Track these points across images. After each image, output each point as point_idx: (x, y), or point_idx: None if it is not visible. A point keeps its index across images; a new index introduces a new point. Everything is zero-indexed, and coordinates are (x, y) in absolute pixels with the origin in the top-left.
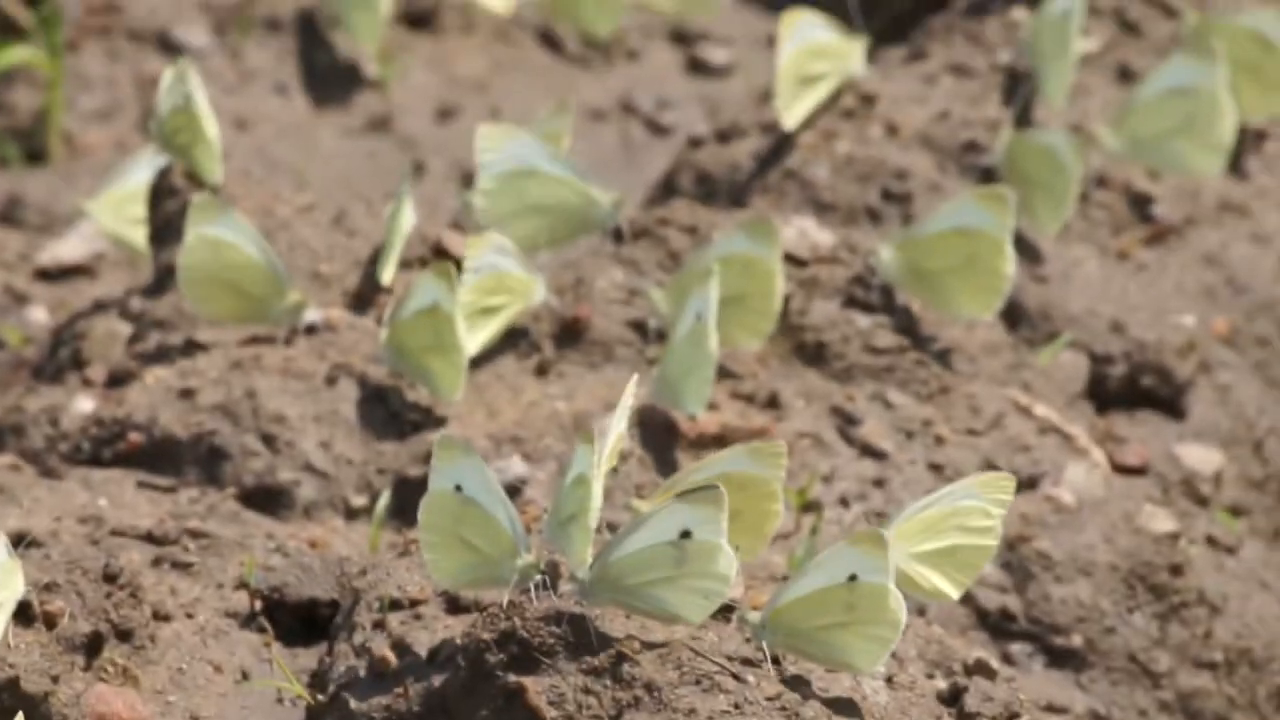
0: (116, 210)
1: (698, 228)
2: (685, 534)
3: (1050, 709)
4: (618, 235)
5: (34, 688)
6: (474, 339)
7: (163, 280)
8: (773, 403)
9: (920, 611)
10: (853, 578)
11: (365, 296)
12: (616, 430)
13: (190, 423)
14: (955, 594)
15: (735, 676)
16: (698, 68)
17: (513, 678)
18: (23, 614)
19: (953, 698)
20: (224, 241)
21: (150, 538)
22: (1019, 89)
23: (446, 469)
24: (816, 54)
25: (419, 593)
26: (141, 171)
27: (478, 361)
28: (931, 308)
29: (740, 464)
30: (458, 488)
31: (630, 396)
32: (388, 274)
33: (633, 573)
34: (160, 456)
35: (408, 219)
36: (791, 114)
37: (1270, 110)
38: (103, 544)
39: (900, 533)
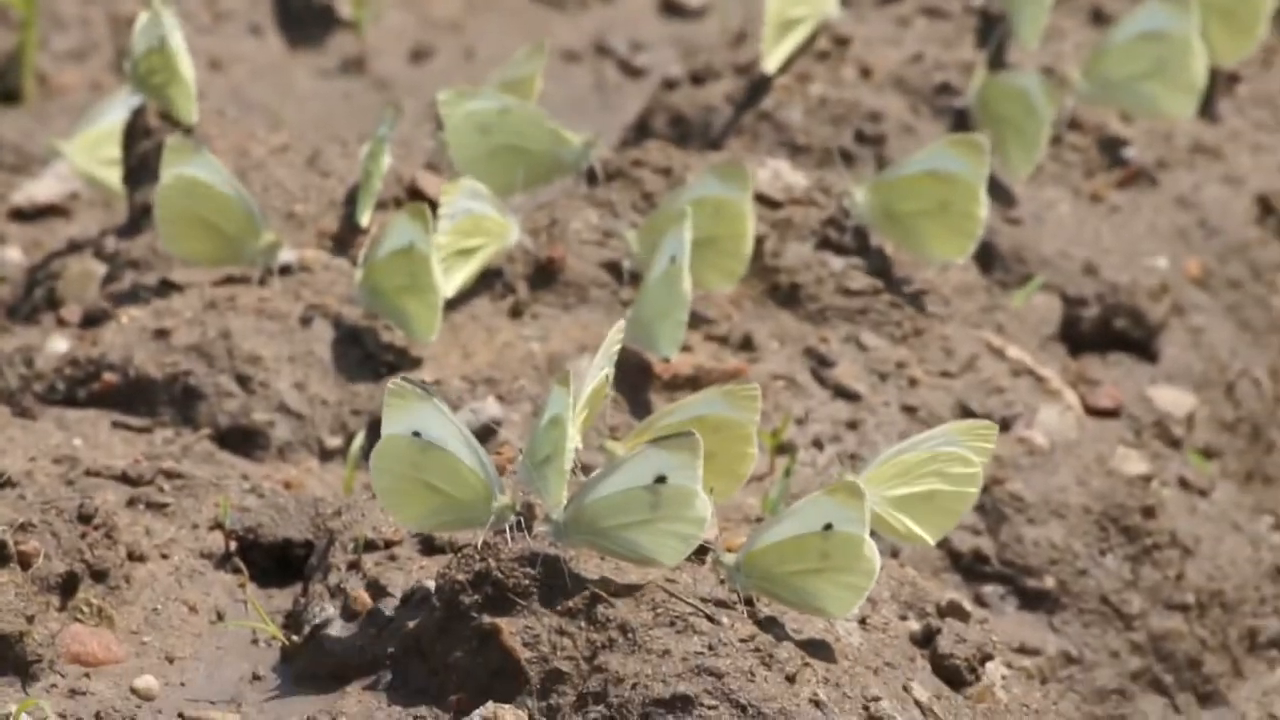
0: (91, 151)
1: (671, 169)
2: (660, 479)
3: (1023, 650)
4: (591, 177)
5: (9, 627)
6: (451, 281)
7: (137, 220)
8: (746, 344)
9: (894, 553)
10: (828, 527)
11: (340, 237)
12: (598, 375)
13: (165, 363)
14: (932, 540)
15: (709, 618)
16: (671, 9)
17: (487, 619)
18: None
19: (926, 639)
20: (199, 181)
21: (125, 478)
22: (992, 31)
23: (400, 416)
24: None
25: (394, 534)
26: (116, 112)
27: (452, 303)
28: (906, 250)
29: (715, 407)
30: (415, 434)
31: (615, 345)
32: (365, 215)
33: (608, 515)
34: (135, 397)
35: (385, 160)
36: (773, 58)
37: (1241, 53)
38: (77, 484)
39: (876, 476)
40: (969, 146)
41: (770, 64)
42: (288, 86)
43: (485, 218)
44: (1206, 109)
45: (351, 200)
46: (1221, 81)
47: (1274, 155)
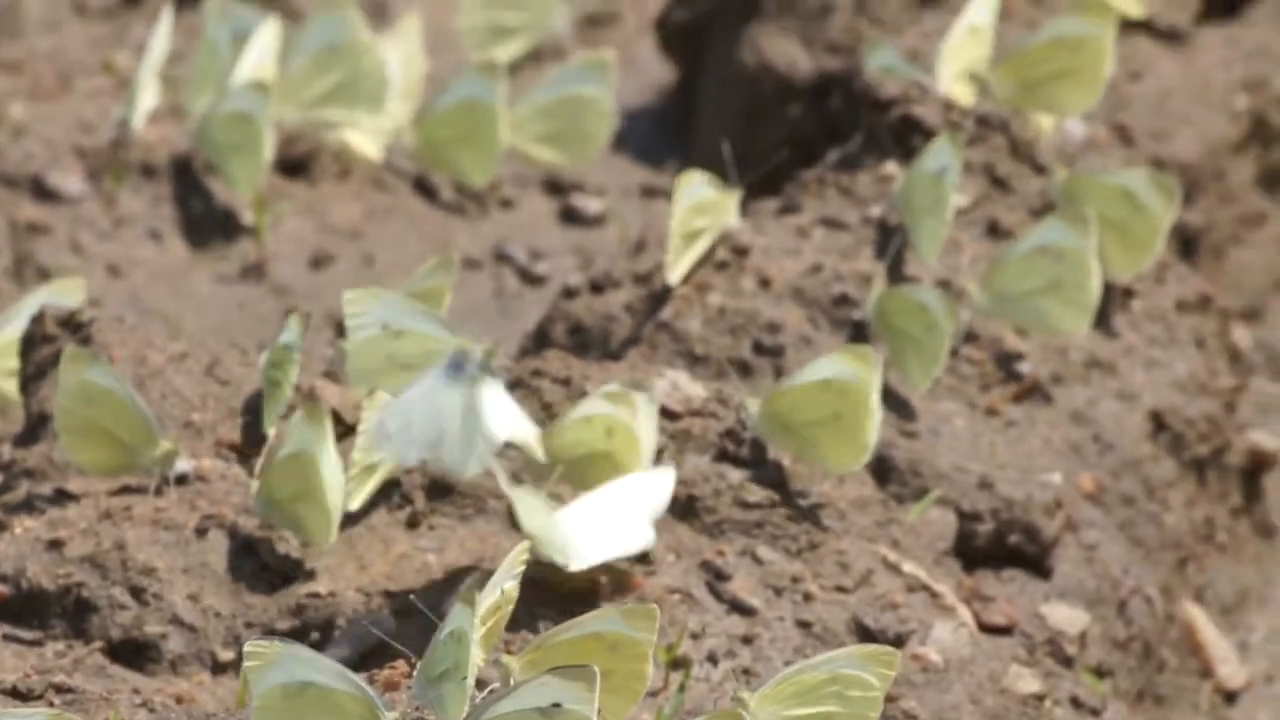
0: None
1: (571, 379)
2: (556, 705)
3: None
4: None
5: None
6: (356, 496)
7: (34, 429)
8: (643, 557)
9: None
10: None
11: (238, 446)
12: (496, 594)
13: (58, 574)
14: None
15: None
16: (571, 217)
17: None
18: None
19: None
20: (98, 389)
21: (15, 693)
22: (890, 243)
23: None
24: (699, 210)
25: None
26: (15, 324)
27: (349, 515)
28: (801, 461)
29: (612, 624)
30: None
31: (520, 564)
32: (271, 424)
33: None
34: (27, 609)
35: (295, 369)
36: (677, 270)
37: (1136, 268)
38: None
39: (774, 695)
40: (859, 357)
41: (673, 276)
42: (187, 292)
43: None
44: (1101, 323)
45: (250, 409)
46: (1116, 296)
47: (1168, 371)
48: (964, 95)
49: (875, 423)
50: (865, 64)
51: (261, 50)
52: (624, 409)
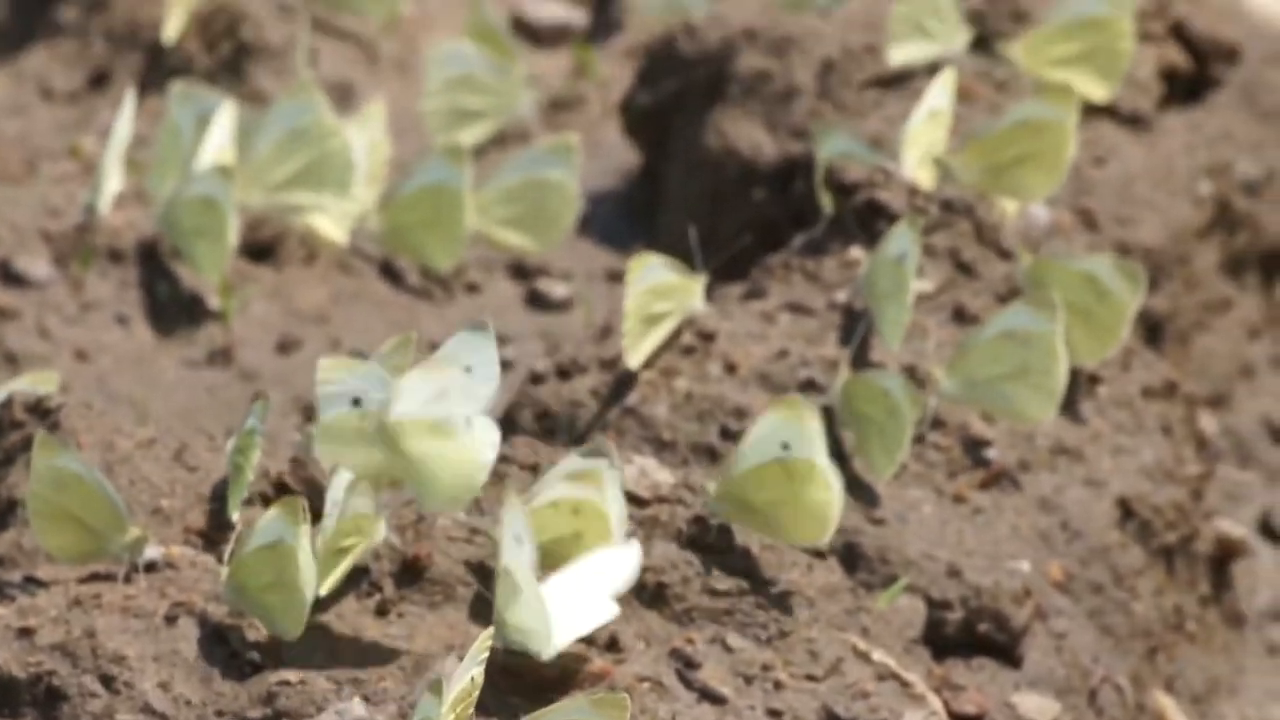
0: None
1: (539, 465)
2: None
3: None
4: None
5: None
6: (326, 581)
7: (2, 516)
8: (613, 645)
9: None
10: None
11: (207, 533)
12: (465, 680)
13: (28, 663)
14: None
15: None
16: (537, 302)
17: None
18: None
19: None
20: (68, 475)
21: None
22: (855, 328)
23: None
24: (660, 293)
25: None
26: None
27: (318, 601)
28: (765, 538)
29: (583, 714)
30: None
31: (484, 651)
32: (235, 510)
33: None
34: None
35: (256, 453)
36: (636, 354)
37: (1101, 354)
38: None
39: None
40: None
41: (633, 360)
42: (154, 377)
43: (361, 516)
44: (1068, 409)
45: (219, 495)
46: (1083, 382)
47: (1135, 458)
48: (927, 179)
49: (831, 494)
50: (817, 150)
51: (221, 134)
52: (589, 487)
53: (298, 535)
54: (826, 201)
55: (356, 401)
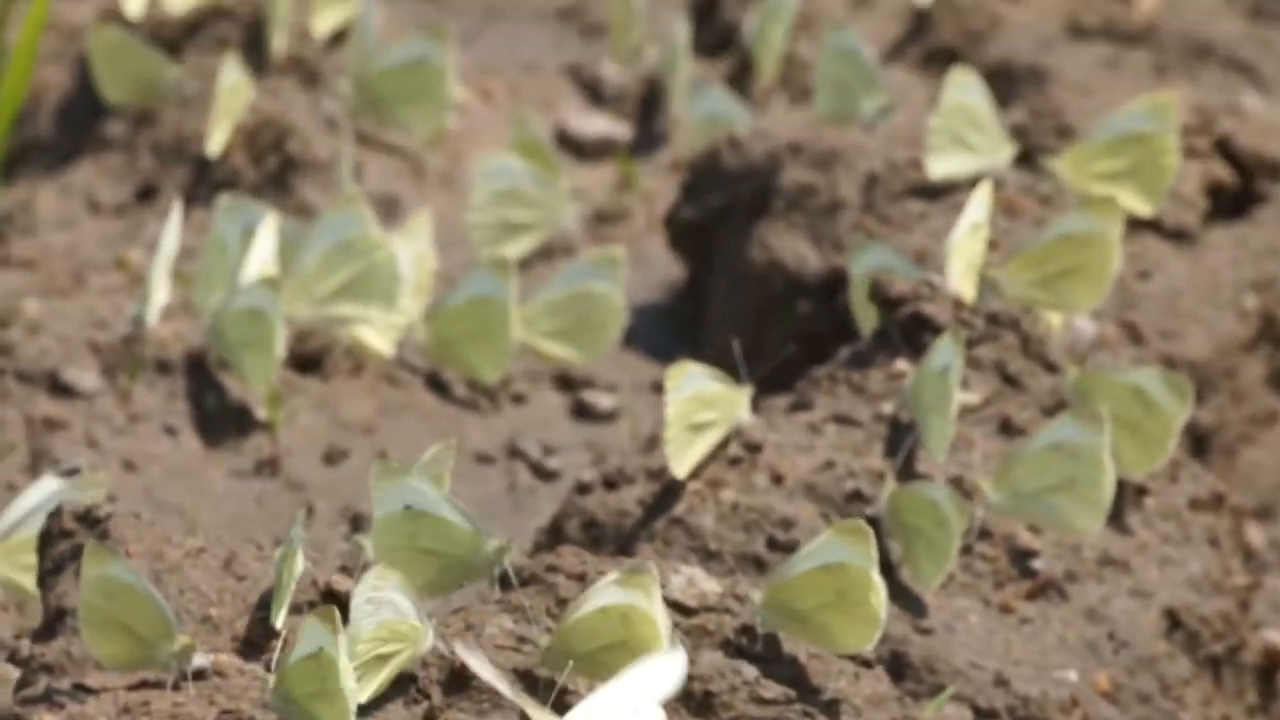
0: (9, 557)
1: (586, 574)
2: None
3: None
4: (504, 581)
5: None
6: (365, 688)
7: (52, 624)
8: None
9: None
10: None
11: (255, 641)
12: None
13: None
14: None
15: None
16: (583, 412)
17: None
18: None
19: None
20: (118, 584)
21: None
22: (902, 439)
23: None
24: (704, 403)
25: None
26: (35, 521)
27: (365, 709)
28: (813, 647)
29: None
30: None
31: None
32: (279, 618)
33: None
34: None
35: (298, 562)
36: (681, 461)
37: (1148, 467)
38: None
39: None
40: (854, 533)
41: (678, 468)
42: (202, 487)
43: (401, 623)
44: (1115, 521)
45: (266, 604)
46: (1130, 493)
47: (1182, 569)
48: (971, 292)
49: (880, 598)
50: (852, 265)
51: (267, 246)
52: (638, 593)
53: (337, 644)
54: (865, 316)
55: (408, 507)
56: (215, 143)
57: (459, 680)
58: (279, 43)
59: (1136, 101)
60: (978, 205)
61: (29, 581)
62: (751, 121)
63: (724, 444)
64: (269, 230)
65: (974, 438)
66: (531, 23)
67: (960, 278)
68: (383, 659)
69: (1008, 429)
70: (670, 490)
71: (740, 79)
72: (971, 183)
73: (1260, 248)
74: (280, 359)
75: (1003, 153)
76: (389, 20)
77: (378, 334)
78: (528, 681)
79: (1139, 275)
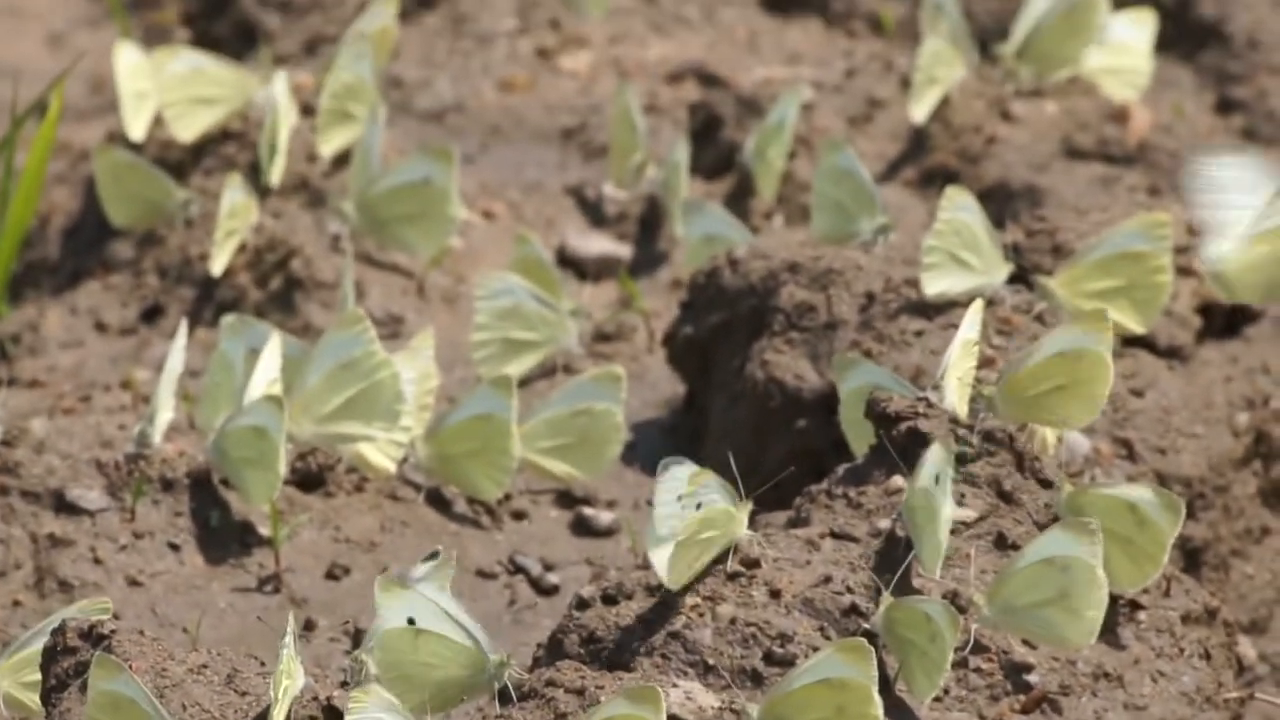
0: (14, 674)
1: (585, 689)
2: None
3: None
4: (504, 697)
5: None
6: None
7: None
8: None
9: None
10: None
11: None
12: None
13: None
14: None
15: None
16: (583, 528)
17: None
18: None
19: None
20: (124, 698)
21: None
22: (898, 554)
23: None
24: (705, 522)
25: None
26: (41, 638)
27: None
28: None
29: None
30: None
31: None
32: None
33: None
34: None
35: (297, 673)
36: (676, 577)
37: (1141, 582)
38: None
39: None
40: (855, 650)
41: (673, 583)
42: (206, 603)
43: None
44: (1109, 635)
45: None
46: (1123, 608)
47: (1175, 683)
48: (964, 409)
49: (878, 712)
50: (841, 384)
51: (271, 365)
52: (646, 707)
53: None
54: (855, 434)
55: (411, 621)
56: (216, 265)
57: None
58: (275, 173)
59: (1130, 220)
60: (971, 323)
61: (33, 699)
62: (750, 241)
63: (722, 560)
64: (273, 349)
65: (970, 553)
66: (534, 144)
67: (958, 396)
68: None
69: (1003, 544)
70: (669, 605)
71: (740, 199)
72: (969, 301)
73: (1252, 365)
74: (282, 477)
75: (999, 271)
76: (392, 140)
77: (380, 452)
78: None
79: (1132, 392)
